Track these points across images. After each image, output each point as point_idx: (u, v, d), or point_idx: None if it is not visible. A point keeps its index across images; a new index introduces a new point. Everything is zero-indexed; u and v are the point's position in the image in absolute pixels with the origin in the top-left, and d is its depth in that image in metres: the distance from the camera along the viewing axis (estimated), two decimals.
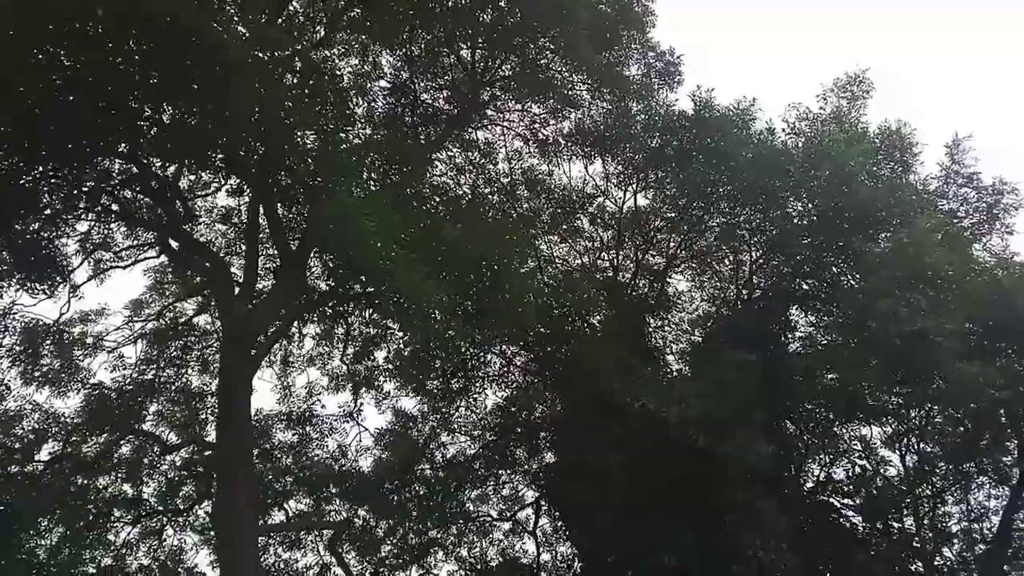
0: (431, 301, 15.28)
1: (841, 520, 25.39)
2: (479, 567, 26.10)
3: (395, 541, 25.72)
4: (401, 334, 22.39)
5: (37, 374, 22.06)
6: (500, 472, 27.06)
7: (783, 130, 24.39)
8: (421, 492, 25.53)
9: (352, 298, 20.01)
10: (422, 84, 23.07)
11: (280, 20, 17.16)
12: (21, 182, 14.33)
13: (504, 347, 24.56)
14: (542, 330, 23.73)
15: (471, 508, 27.21)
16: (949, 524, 27.13)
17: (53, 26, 12.09)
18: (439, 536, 25.68)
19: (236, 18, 14.40)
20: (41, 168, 14.33)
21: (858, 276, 22.57)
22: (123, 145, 15.25)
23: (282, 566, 25.73)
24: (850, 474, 26.30)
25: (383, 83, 22.70)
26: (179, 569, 24.33)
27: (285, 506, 25.39)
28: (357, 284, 17.72)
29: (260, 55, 13.94)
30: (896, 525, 25.88)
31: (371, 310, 20.64)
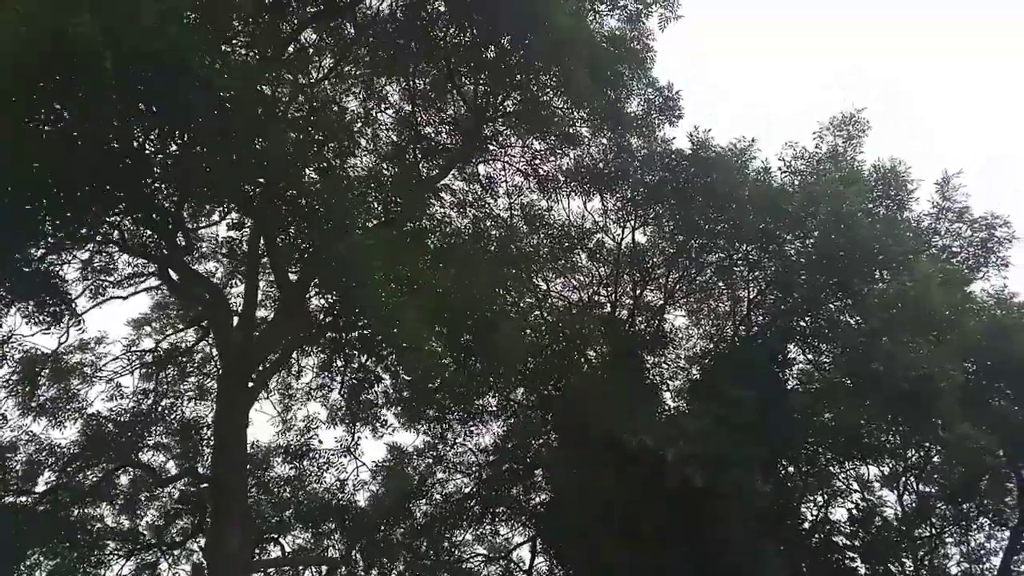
0: (426, 346, 15.36)
1: (841, 560, 25.18)
2: None
3: None
4: (398, 371, 22.40)
5: (34, 404, 21.99)
6: (496, 509, 26.86)
7: (780, 169, 24.65)
8: (417, 529, 25.30)
9: (349, 336, 20.07)
10: (425, 118, 23.35)
11: (289, 51, 17.42)
12: (25, 210, 14.43)
13: (501, 384, 24.52)
14: (539, 366, 23.81)
15: (466, 546, 26.98)
16: (948, 566, 26.98)
17: (60, 59, 12.26)
18: (433, 572, 25.39)
19: (242, 52, 14.61)
20: (44, 199, 14.43)
21: (857, 315, 22.64)
22: (127, 177, 15.36)
23: None
24: (850, 514, 26.18)
25: (387, 116, 22.99)
26: None
27: (281, 541, 25.14)
28: (354, 323, 17.81)
29: (262, 91, 14.11)
30: (895, 566, 25.69)
31: (367, 353, 20.72)
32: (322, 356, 23.79)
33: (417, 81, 22.02)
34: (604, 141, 24.28)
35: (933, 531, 27.06)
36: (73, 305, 19.30)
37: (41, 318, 18.09)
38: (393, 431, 26.15)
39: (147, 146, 15.19)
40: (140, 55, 12.19)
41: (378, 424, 25.54)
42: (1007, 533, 25.69)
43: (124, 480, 23.73)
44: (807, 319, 24.95)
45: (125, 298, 21.96)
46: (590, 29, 20.55)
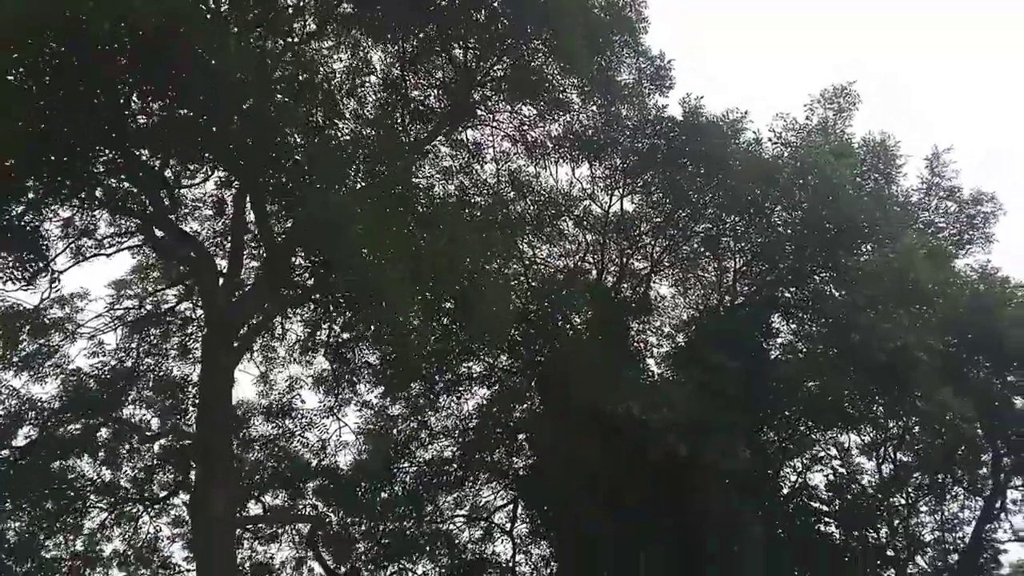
0: (409, 308, 15.32)
1: (817, 526, 25.64)
2: (455, 566, 26.11)
3: (372, 540, 25.67)
4: (382, 333, 22.38)
5: (15, 359, 21.86)
6: (478, 473, 27.08)
7: (770, 140, 24.61)
8: (399, 492, 25.50)
9: (334, 298, 19.99)
10: (413, 82, 23.04)
11: (271, 13, 17.07)
12: (5, 166, 14.21)
13: (485, 351, 24.60)
14: (524, 332, 23.85)
15: (448, 509, 27.23)
16: (923, 533, 27.48)
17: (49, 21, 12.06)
18: (416, 535, 25.65)
19: (225, 16, 14.33)
20: (25, 154, 14.21)
21: (841, 287, 22.78)
22: (111, 135, 15.13)
23: (258, 560, 25.70)
24: (827, 480, 26.58)
25: (374, 79, 22.66)
26: (154, 558, 24.22)
27: (262, 499, 25.31)
28: (340, 277, 17.69)
29: (248, 53, 13.89)
30: (871, 533, 26.16)
31: (351, 312, 20.63)
32: (307, 318, 23.69)
33: (405, 44, 21.67)
34: (594, 108, 24.05)
35: (909, 499, 27.52)
36: (52, 263, 19.09)
37: (18, 275, 17.86)
38: (377, 400, 26.31)
39: (131, 104, 14.94)
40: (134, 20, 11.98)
41: (359, 391, 25.65)
42: (980, 503, 26.20)
43: (106, 434, 23.73)
44: (792, 290, 25.12)
45: (109, 255, 21.76)
46: None
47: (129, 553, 23.90)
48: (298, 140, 15.48)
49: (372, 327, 17.32)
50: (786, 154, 24.27)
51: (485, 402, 26.70)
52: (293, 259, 19.08)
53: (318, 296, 20.66)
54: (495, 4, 19.74)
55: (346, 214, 14.34)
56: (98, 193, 17.99)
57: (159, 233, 19.75)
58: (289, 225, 18.48)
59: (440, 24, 20.54)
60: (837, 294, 23.07)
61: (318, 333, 23.91)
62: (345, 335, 23.52)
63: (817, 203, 22.54)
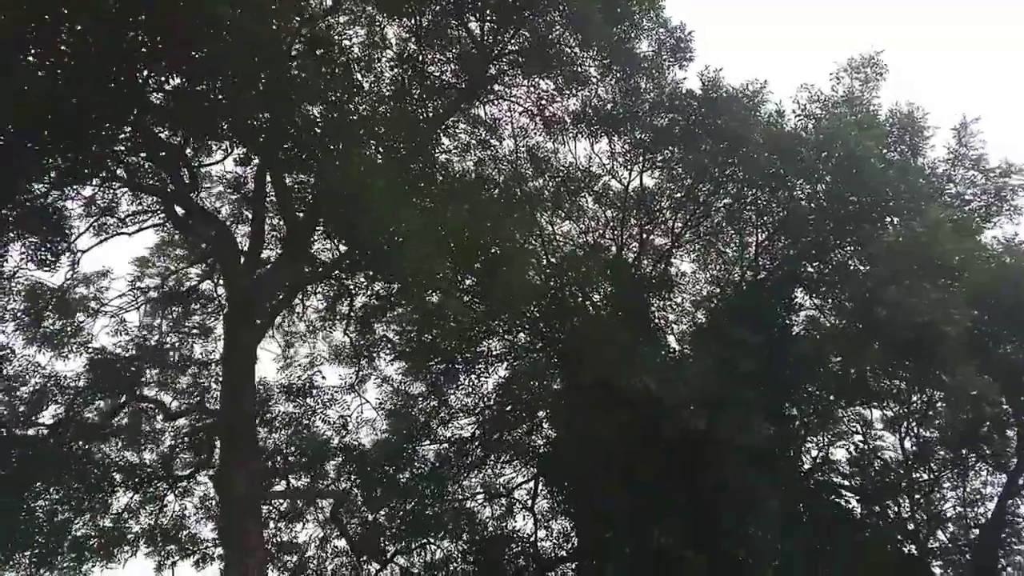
0: (434, 275, 15.28)
1: (837, 501, 25.54)
2: (477, 541, 26.26)
3: (394, 518, 25.82)
4: (404, 309, 22.36)
5: (39, 335, 22.05)
6: (499, 451, 27.13)
7: (794, 112, 24.27)
8: (420, 469, 25.61)
9: (357, 268, 19.96)
10: (430, 56, 22.88)
11: None
12: (27, 146, 14.26)
13: (505, 327, 24.58)
14: (544, 308, 23.79)
15: (470, 485, 27.33)
16: (945, 508, 27.31)
17: None
18: (438, 513, 25.78)
19: None
20: (47, 133, 14.24)
21: (865, 261, 22.51)
22: (130, 112, 15.14)
23: (283, 539, 25.94)
24: (849, 455, 26.45)
25: (389, 54, 22.53)
26: (181, 536, 24.49)
27: (286, 478, 25.49)
28: (362, 252, 17.66)
29: (265, 25, 13.79)
30: (892, 508, 26.04)
31: (375, 282, 20.60)
32: (327, 293, 23.75)
33: (420, 18, 21.49)
34: (612, 82, 23.79)
35: (931, 475, 27.35)
36: (74, 242, 19.23)
37: (41, 254, 18.01)
38: (398, 377, 26.36)
39: (149, 81, 14.92)
40: None
41: (380, 368, 25.72)
42: (1004, 478, 25.98)
43: (130, 413, 23.96)
44: (815, 265, 24.82)
45: (131, 234, 21.91)
46: None
47: (156, 532, 24.15)
48: (316, 115, 15.42)
49: (393, 300, 17.28)
50: (810, 126, 23.93)
51: (505, 380, 26.69)
52: (314, 235, 19.10)
53: (339, 271, 20.70)
54: None
55: (367, 186, 14.27)
56: (119, 171, 18.08)
57: (180, 211, 19.84)
58: (310, 199, 18.46)
59: None
60: (861, 268, 22.80)
61: (339, 306, 23.93)
62: (367, 308, 23.47)
63: (840, 176, 22.24)
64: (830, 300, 24.69)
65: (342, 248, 19.07)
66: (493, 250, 17.71)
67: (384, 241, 14.78)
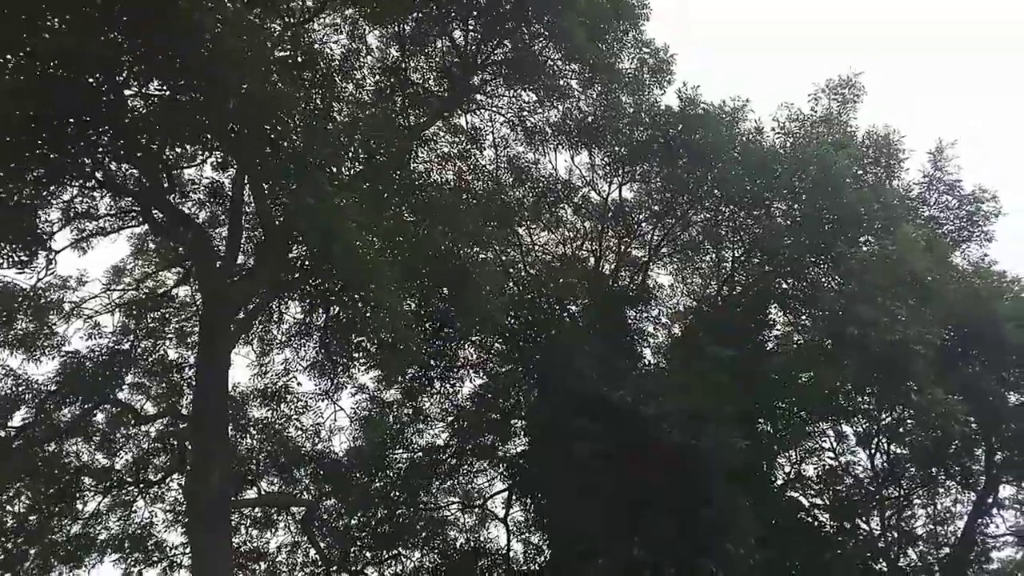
0: (400, 305, 15.30)
1: (809, 519, 25.71)
2: (449, 553, 26.17)
3: (366, 527, 25.68)
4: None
5: (11, 337, 21.77)
6: (473, 460, 27.09)
7: (772, 130, 24.59)
8: (393, 479, 25.50)
9: (327, 287, 19.99)
10: (412, 64, 22.94)
11: None
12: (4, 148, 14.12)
13: (479, 339, 24.60)
14: (521, 319, 23.83)
15: (442, 495, 27.23)
16: (915, 526, 27.61)
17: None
18: (410, 522, 25.67)
19: None
20: (25, 137, 14.12)
21: (838, 279, 22.78)
22: (109, 117, 15.04)
23: (253, 546, 25.71)
24: (819, 472, 26.65)
25: (371, 61, 22.56)
26: (149, 543, 24.20)
27: (258, 484, 25.29)
28: (331, 273, 17.71)
29: (247, 34, 13.76)
30: (863, 525, 26.26)
31: (343, 302, 20.66)
32: (302, 304, 23.63)
33: (404, 26, 21.56)
34: (594, 95, 23.96)
35: (901, 492, 27.63)
36: (49, 244, 19.01)
37: (15, 256, 17.77)
38: (371, 386, 26.27)
39: (128, 85, 14.85)
40: None
41: (354, 377, 25.60)
42: (973, 496, 26.29)
43: (101, 418, 23.69)
44: (790, 281, 25.09)
45: (107, 234, 21.71)
46: None
47: (124, 538, 23.85)
48: (296, 122, 15.39)
49: (365, 315, 17.24)
50: (788, 144, 24.22)
51: (480, 389, 26.68)
52: (290, 243, 19.02)
53: (314, 281, 20.63)
54: None
55: (338, 208, 14.25)
56: (98, 175, 17.93)
57: (158, 215, 19.69)
58: (287, 207, 18.38)
59: (440, 6, 20.44)
60: (835, 286, 23.09)
61: (314, 316, 23.81)
62: (337, 320, 23.39)
63: (817, 194, 22.51)
64: (804, 317, 24.95)
65: (312, 263, 19.04)
66: (469, 261, 17.73)
67: (353, 263, 14.72)
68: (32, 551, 20.93)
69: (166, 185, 18.93)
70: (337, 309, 21.75)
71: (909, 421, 25.12)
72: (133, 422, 23.62)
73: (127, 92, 14.94)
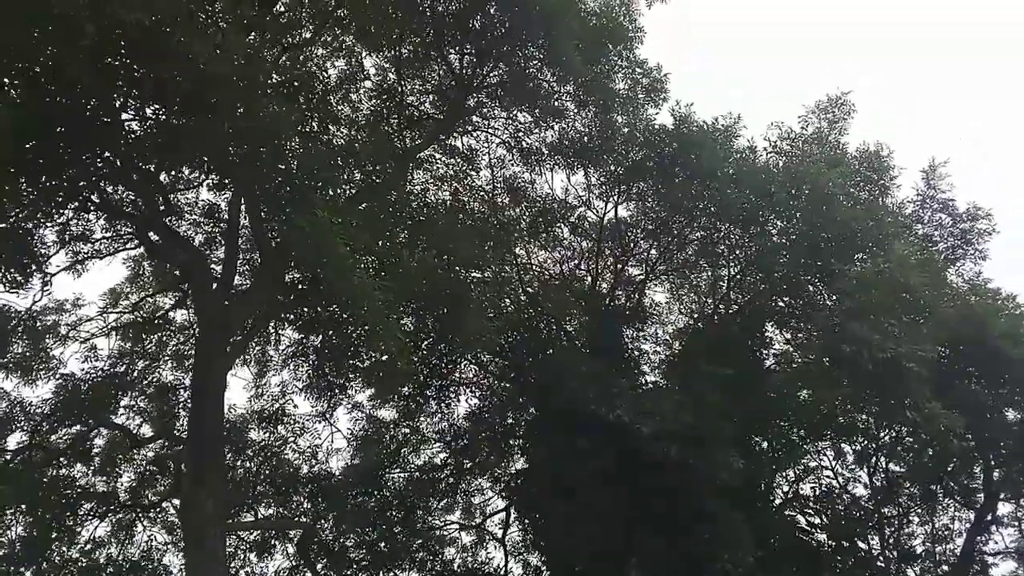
0: (395, 331, 15.36)
1: (807, 537, 25.62)
2: (446, 574, 26.05)
3: (363, 548, 25.56)
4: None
5: (6, 361, 21.74)
6: (470, 479, 27.03)
7: (765, 149, 24.68)
8: (390, 499, 25.42)
9: (321, 310, 20.06)
10: (408, 87, 23.11)
11: (267, 18, 17.09)
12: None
13: (475, 359, 24.64)
14: (518, 338, 23.86)
15: (440, 515, 27.16)
16: (913, 545, 27.53)
17: (41, 28, 12.08)
18: (407, 542, 25.56)
19: (220, 23, 14.33)
20: (22, 162, 14.20)
21: (834, 296, 22.85)
22: (105, 141, 15.13)
23: (251, 571, 25.57)
24: (817, 491, 26.60)
25: (368, 84, 22.72)
26: (148, 566, 24.05)
27: (254, 507, 25.17)
28: (324, 299, 17.78)
29: (241, 62, 13.87)
30: (862, 544, 26.17)
31: (334, 330, 20.76)
32: (297, 325, 23.65)
33: (400, 50, 21.74)
34: (589, 116, 24.09)
35: (900, 510, 27.56)
36: (46, 265, 19.06)
37: (10, 277, 17.78)
38: (368, 406, 26.24)
39: (125, 109, 14.95)
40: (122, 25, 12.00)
41: (351, 397, 25.59)
42: (972, 514, 26.24)
43: (99, 442, 23.64)
44: (786, 299, 25.15)
45: (103, 256, 21.75)
46: (578, 1, 20.36)
47: (123, 561, 23.71)
48: (293, 145, 15.48)
49: (360, 337, 17.28)
50: (781, 163, 24.36)
51: (476, 408, 26.67)
52: (287, 265, 19.08)
53: (308, 303, 20.69)
54: (491, 11, 19.83)
55: (332, 231, 14.29)
56: (94, 198, 18.00)
57: (154, 237, 19.74)
58: (283, 229, 18.44)
59: (436, 30, 20.62)
60: (830, 303, 23.15)
61: (310, 337, 23.82)
62: (332, 344, 23.43)
63: (811, 212, 22.61)
64: (800, 335, 24.99)
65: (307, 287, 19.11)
66: (466, 282, 17.80)
67: (348, 289, 14.77)
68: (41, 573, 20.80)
69: (162, 208, 18.99)
70: (331, 331, 21.81)
71: (908, 439, 25.15)
72: (130, 445, 23.56)
73: (124, 116, 15.06)
